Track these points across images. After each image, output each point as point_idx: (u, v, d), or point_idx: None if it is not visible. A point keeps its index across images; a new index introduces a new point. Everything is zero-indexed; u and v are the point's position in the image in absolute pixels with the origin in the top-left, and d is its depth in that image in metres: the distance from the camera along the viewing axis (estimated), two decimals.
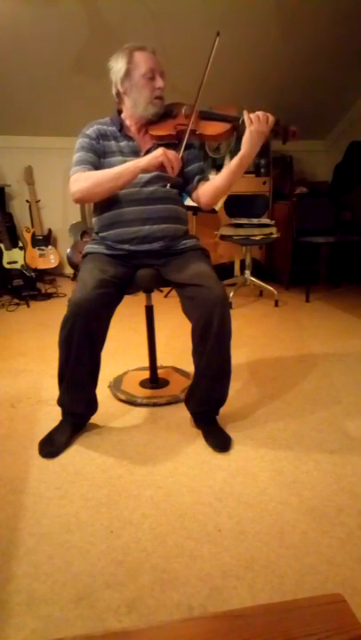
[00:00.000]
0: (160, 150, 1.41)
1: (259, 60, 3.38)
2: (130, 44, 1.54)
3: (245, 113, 1.45)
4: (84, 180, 1.48)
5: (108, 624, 0.90)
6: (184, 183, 1.67)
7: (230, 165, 1.51)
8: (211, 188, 1.60)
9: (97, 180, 1.47)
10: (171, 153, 1.42)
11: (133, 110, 1.57)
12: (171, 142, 1.58)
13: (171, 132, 1.55)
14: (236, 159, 1.49)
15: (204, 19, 2.98)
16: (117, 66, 1.54)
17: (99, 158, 1.57)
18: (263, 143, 1.49)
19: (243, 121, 1.45)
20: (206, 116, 1.54)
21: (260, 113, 1.44)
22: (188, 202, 1.87)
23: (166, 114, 1.60)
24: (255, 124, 1.43)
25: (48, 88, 3.42)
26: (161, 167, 1.42)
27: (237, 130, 1.52)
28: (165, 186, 1.52)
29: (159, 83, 1.53)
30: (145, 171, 1.46)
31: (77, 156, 1.56)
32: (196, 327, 1.44)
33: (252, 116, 1.44)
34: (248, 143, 1.46)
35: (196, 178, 1.65)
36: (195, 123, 1.53)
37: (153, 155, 1.42)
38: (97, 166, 1.55)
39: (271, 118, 1.44)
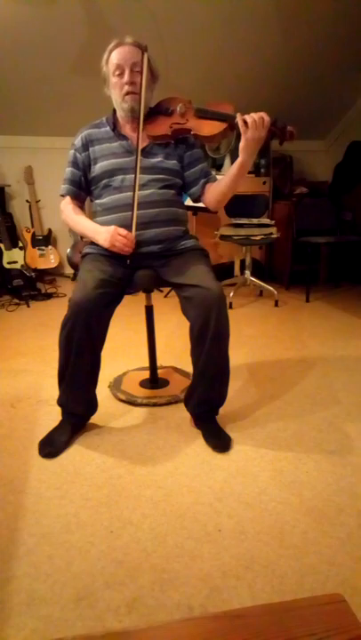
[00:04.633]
0: (107, 242, 1.48)
1: (259, 59, 3.38)
2: (112, 43, 1.51)
3: (239, 116, 1.36)
4: (65, 216, 1.64)
5: (108, 624, 0.90)
6: (187, 187, 1.65)
7: (230, 173, 1.49)
8: (216, 192, 1.58)
9: (70, 223, 1.64)
10: (119, 241, 1.46)
11: (117, 109, 1.58)
12: (167, 142, 1.57)
13: (166, 133, 1.52)
14: (235, 166, 1.46)
15: (205, 19, 2.98)
16: (102, 66, 1.54)
17: (82, 170, 1.61)
18: (262, 146, 1.43)
19: (237, 123, 1.38)
20: (202, 115, 1.49)
21: (254, 115, 1.34)
22: (188, 202, 1.87)
23: (161, 111, 1.56)
24: (251, 130, 1.34)
25: (48, 88, 3.42)
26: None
27: (234, 128, 1.45)
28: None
29: (126, 78, 1.48)
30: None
31: (66, 171, 1.64)
32: (193, 328, 1.44)
33: (246, 118, 1.35)
34: (245, 151, 1.39)
35: (202, 182, 1.62)
36: (190, 122, 1.49)
37: (102, 243, 1.50)
38: (78, 182, 1.62)
39: (267, 119, 1.35)
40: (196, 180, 1.63)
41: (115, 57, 1.49)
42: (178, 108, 1.52)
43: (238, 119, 1.36)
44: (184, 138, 1.59)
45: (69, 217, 1.62)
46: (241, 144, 1.39)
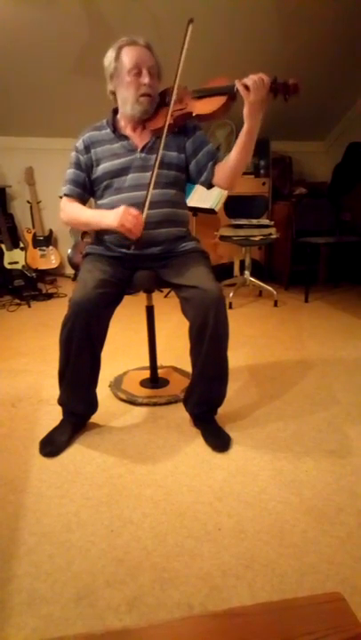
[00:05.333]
0: (116, 221, 1.41)
1: (259, 59, 3.38)
2: (121, 40, 1.49)
3: (238, 82, 1.31)
4: (66, 214, 1.60)
5: (108, 623, 0.91)
6: (196, 176, 1.60)
7: (239, 143, 1.43)
8: (227, 170, 1.51)
9: (72, 219, 1.60)
10: (130, 221, 1.40)
11: (124, 109, 1.54)
12: (171, 132, 1.53)
13: (168, 122, 1.48)
14: (242, 135, 1.40)
15: (205, 20, 2.99)
16: (107, 63, 1.51)
17: (86, 172, 1.60)
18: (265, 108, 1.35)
19: (237, 90, 1.33)
20: (200, 95, 1.45)
21: (253, 76, 1.29)
22: (188, 202, 1.86)
23: (161, 103, 1.53)
24: (253, 92, 1.29)
25: (49, 89, 3.42)
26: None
27: (235, 98, 1.39)
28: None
29: (145, 79, 1.46)
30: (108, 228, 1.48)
31: (68, 172, 1.62)
32: (192, 328, 1.44)
33: (246, 81, 1.29)
34: (250, 116, 1.34)
35: (210, 165, 1.55)
36: (190, 105, 1.45)
37: (109, 223, 1.44)
38: (82, 183, 1.60)
39: (266, 78, 1.29)
40: (204, 165, 1.56)
41: (129, 56, 1.46)
42: (174, 95, 1.49)
43: (238, 85, 1.32)
44: (183, 126, 1.56)
45: (71, 212, 1.59)
46: (245, 110, 1.34)
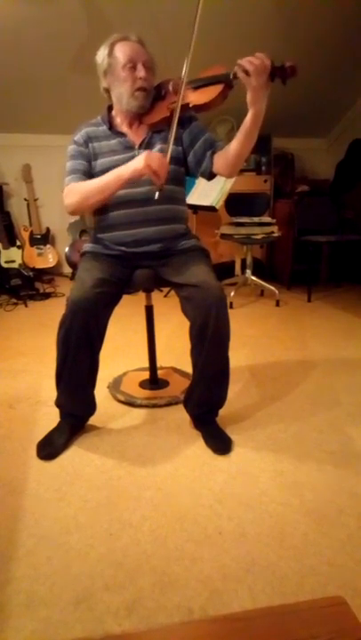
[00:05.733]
0: (141, 162, 1.33)
1: None
2: (113, 36, 1.48)
3: (237, 68, 1.24)
4: (75, 194, 1.47)
5: (107, 627, 0.90)
6: (195, 167, 1.55)
7: (244, 129, 1.35)
8: (229, 156, 1.43)
9: (86, 194, 1.45)
10: (155, 161, 1.32)
11: (119, 105, 1.52)
12: (167, 123, 1.48)
13: (165, 115, 1.46)
14: (248, 121, 1.32)
15: (204, 19, 2.96)
16: (100, 60, 1.49)
17: (89, 163, 1.55)
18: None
19: (235, 75, 1.26)
20: (196, 85, 1.42)
21: (254, 61, 1.20)
22: (189, 199, 1.84)
23: (156, 97, 1.52)
24: (254, 77, 1.21)
25: (47, 86, 3.41)
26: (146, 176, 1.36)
27: (232, 85, 1.35)
28: (155, 195, 1.39)
29: (141, 73, 1.44)
30: (130, 181, 1.40)
31: (69, 165, 1.56)
32: (193, 327, 1.42)
33: (246, 66, 1.21)
34: (256, 100, 1.27)
35: (208, 154, 1.50)
36: (186, 96, 1.41)
37: (135, 167, 1.36)
38: (88, 172, 1.53)
39: (267, 61, 1.21)
40: (202, 155, 1.52)
41: (123, 51, 1.45)
42: (170, 87, 1.47)
43: (237, 71, 1.25)
44: (179, 118, 1.50)
45: (82, 188, 1.47)
46: (248, 97, 1.26)
